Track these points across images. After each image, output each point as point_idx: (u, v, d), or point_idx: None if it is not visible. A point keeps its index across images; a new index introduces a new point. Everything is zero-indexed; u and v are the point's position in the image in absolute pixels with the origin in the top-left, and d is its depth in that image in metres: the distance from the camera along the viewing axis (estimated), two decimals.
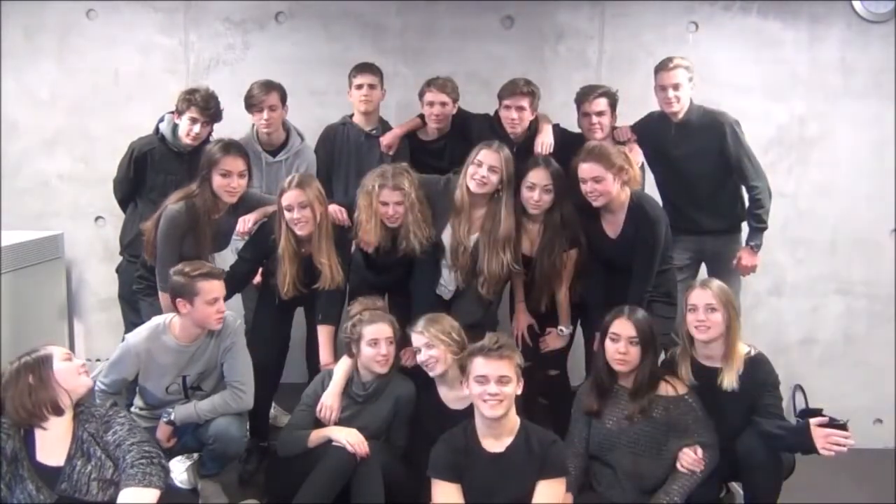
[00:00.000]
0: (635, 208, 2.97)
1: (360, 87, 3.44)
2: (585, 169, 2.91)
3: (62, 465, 2.16)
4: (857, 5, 4.04)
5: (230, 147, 2.99)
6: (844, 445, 2.36)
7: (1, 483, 2.12)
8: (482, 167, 3.00)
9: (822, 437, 2.37)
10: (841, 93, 4.11)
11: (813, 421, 2.42)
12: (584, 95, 3.30)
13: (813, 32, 4.07)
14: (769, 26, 4.06)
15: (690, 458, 2.54)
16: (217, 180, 2.95)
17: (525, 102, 3.24)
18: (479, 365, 2.34)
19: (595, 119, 3.27)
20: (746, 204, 3.44)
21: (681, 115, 3.35)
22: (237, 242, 3.24)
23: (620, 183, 2.93)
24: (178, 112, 3.23)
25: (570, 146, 3.28)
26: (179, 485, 2.79)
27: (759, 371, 2.59)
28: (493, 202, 3.06)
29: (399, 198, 2.97)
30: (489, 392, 2.31)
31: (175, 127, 3.26)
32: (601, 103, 3.27)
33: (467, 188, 3.04)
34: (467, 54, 4.04)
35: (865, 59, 4.08)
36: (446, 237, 3.11)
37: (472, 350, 2.43)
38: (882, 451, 3.81)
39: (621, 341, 2.60)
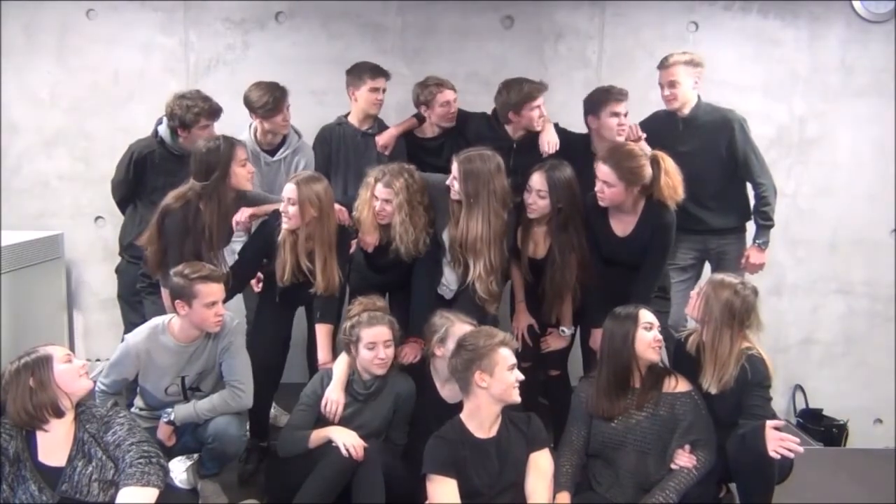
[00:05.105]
0: (652, 211, 2.95)
1: (375, 90, 3.43)
2: (602, 170, 2.90)
3: (63, 466, 2.17)
4: (857, 5, 4.05)
5: (235, 140, 3.01)
6: (793, 451, 2.35)
7: (3, 483, 2.12)
8: (451, 172, 3.02)
9: (775, 440, 2.36)
10: (841, 93, 4.11)
11: (769, 423, 2.41)
12: (621, 94, 3.25)
13: (813, 32, 4.07)
14: (769, 26, 4.07)
15: (683, 457, 2.54)
16: (240, 171, 2.96)
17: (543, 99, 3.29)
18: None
19: (623, 120, 3.25)
20: (751, 203, 3.44)
21: (686, 111, 3.36)
22: (234, 244, 3.24)
23: (635, 191, 2.91)
24: (187, 126, 3.18)
25: (572, 146, 3.29)
26: (179, 485, 2.79)
27: (748, 371, 2.58)
28: (459, 208, 3.04)
29: (387, 196, 2.99)
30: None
31: (174, 131, 3.26)
32: (627, 105, 3.26)
33: None
34: (467, 54, 4.04)
35: (865, 59, 4.09)
36: (447, 236, 3.11)
37: None
38: (882, 451, 3.81)
39: (654, 329, 2.62)
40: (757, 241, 3.43)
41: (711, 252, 3.51)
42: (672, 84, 3.31)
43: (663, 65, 3.34)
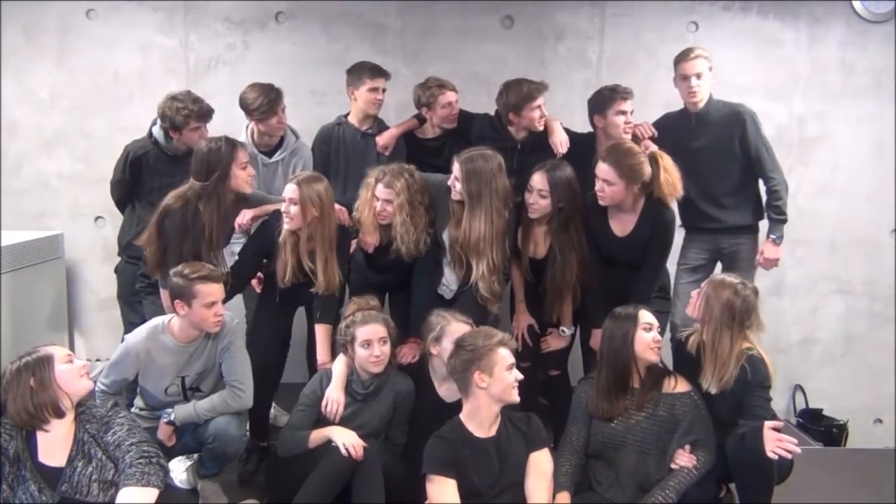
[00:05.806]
0: (652, 210, 2.95)
1: (375, 89, 3.43)
2: (602, 169, 2.91)
3: (63, 466, 2.17)
4: (857, 5, 4.05)
5: (237, 142, 3.01)
6: (791, 452, 2.35)
7: (3, 484, 2.12)
8: (453, 172, 3.02)
9: (772, 441, 2.36)
10: (841, 93, 4.12)
11: (768, 424, 2.41)
12: (627, 93, 3.26)
13: (813, 32, 4.08)
14: (769, 26, 4.07)
15: (683, 457, 2.54)
16: (240, 174, 2.95)
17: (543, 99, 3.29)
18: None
19: (630, 118, 3.26)
20: (764, 201, 3.44)
21: (700, 106, 3.36)
22: (234, 245, 3.24)
23: (635, 189, 2.91)
24: (177, 128, 3.20)
25: (575, 146, 3.28)
26: (179, 485, 2.79)
27: (748, 371, 2.58)
28: (460, 208, 3.04)
29: (388, 196, 2.99)
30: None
31: (168, 132, 3.25)
32: (632, 103, 3.27)
33: None
34: (467, 54, 4.05)
35: (865, 59, 4.09)
36: (448, 236, 3.11)
37: None
38: (882, 451, 3.81)
39: (653, 330, 2.62)
40: (771, 236, 3.41)
41: (724, 252, 3.47)
42: (699, 76, 3.30)
43: (687, 57, 3.32)
